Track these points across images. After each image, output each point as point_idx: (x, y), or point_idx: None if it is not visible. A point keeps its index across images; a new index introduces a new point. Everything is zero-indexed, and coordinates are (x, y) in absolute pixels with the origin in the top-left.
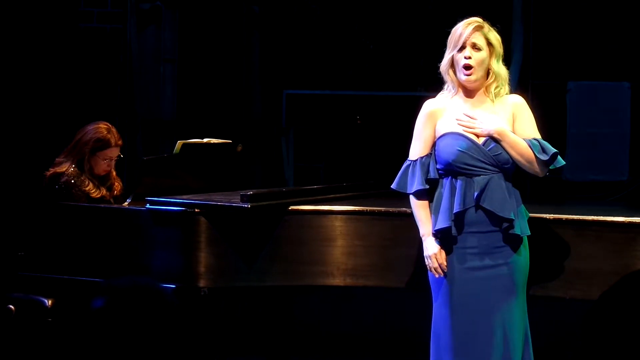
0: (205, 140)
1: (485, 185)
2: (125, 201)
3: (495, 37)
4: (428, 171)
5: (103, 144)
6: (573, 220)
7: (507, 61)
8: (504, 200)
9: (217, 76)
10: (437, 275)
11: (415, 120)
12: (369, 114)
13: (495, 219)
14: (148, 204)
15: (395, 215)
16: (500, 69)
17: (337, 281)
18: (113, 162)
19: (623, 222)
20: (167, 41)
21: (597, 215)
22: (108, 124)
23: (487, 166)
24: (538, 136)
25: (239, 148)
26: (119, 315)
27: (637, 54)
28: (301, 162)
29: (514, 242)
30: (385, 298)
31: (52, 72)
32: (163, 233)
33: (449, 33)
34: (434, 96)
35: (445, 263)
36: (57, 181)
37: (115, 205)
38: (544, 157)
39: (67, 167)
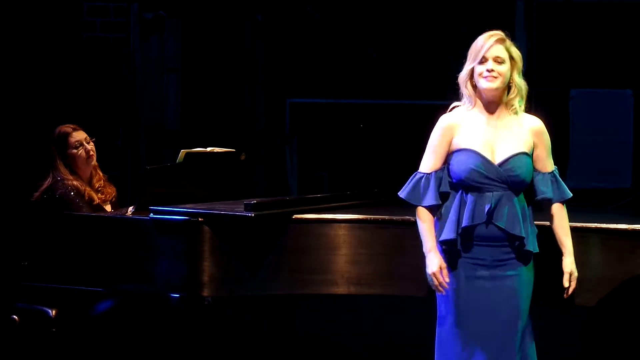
0: (208, 149)
1: (497, 202)
2: (129, 210)
3: (516, 51)
4: (441, 185)
5: (61, 136)
6: (576, 227)
7: None
8: (515, 217)
9: (221, 85)
10: (438, 292)
11: (419, 129)
12: (372, 122)
13: (507, 234)
14: (152, 213)
15: (399, 223)
16: (522, 83)
17: (341, 290)
18: (90, 148)
19: (626, 229)
20: (170, 50)
21: (600, 223)
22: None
23: (499, 184)
24: (553, 166)
25: (243, 157)
26: (122, 321)
27: None
28: (305, 171)
29: (522, 255)
30: (389, 306)
31: (56, 81)
32: (166, 242)
33: (452, 42)
34: (443, 106)
35: (447, 279)
36: (52, 195)
37: (119, 215)
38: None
39: (48, 181)
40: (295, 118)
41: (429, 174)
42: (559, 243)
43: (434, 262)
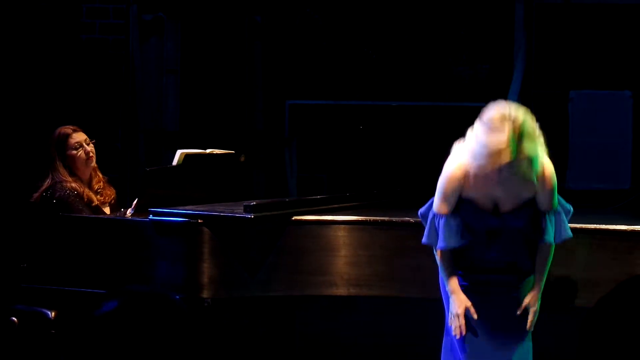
0: (208, 150)
1: (499, 242)
2: (128, 212)
3: (529, 139)
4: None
5: (61, 137)
6: (575, 228)
7: (509, 71)
8: (519, 249)
9: (220, 87)
10: (454, 333)
11: (419, 131)
12: (372, 123)
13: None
14: (151, 215)
15: (398, 225)
16: (535, 164)
17: (341, 291)
18: (89, 150)
19: (625, 230)
20: (169, 52)
21: (599, 224)
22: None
23: (498, 228)
24: (551, 207)
25: (242, 158)
26: (121, 323)
27: (639, 63)
28: (304, 173)
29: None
30: (388, 307)
31: (55, 83)
32: (166, 244)
33: (452, 44)
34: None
35: (475, 317)
36: (51, 196)
37: (118, 217)
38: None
39: (47, 182)
40: (295, 119)
41: (448, 216)
42: (533, 277)
43: (458, 304)
